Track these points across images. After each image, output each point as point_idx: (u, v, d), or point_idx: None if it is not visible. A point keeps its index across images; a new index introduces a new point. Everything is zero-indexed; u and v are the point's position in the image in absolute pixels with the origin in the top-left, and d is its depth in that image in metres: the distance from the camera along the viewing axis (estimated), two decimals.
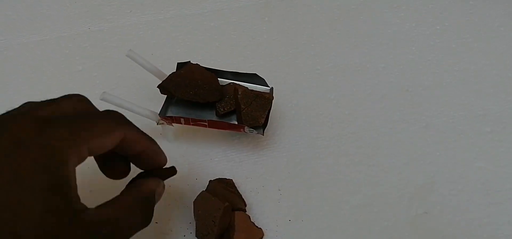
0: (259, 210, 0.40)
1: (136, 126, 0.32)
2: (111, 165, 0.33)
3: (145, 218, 0.31)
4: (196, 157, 0.43)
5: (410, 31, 0.52)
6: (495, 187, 0.41)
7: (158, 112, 0.41)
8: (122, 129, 0.30)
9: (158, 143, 0.34)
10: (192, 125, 0.40)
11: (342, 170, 0.42)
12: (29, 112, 0.27)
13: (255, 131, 0.40)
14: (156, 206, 0.39)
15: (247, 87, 0.41)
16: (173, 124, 0.41)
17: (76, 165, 0.27)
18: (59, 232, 0.25)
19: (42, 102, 0.29)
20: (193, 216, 0.38)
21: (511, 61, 0.49)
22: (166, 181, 0.37)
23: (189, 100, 0.40)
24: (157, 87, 0.40)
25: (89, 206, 0.27)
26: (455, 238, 0.38)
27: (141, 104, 0.41)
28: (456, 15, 0.53)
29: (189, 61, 0.42)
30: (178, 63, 0.43)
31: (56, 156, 0.25)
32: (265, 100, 0.40)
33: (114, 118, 0.30)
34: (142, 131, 0.32)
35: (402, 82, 0.48)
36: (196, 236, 0.37)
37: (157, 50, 0.51)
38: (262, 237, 0.38)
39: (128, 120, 0.31)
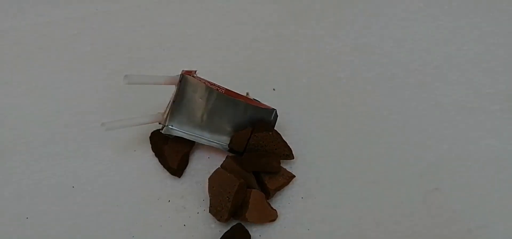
0: None
1: None
2: None
3: None
4: None
5: (419, 11, 0.52)
6: (505, 163, 0.41)
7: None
8: None
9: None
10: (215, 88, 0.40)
11: (353, 148, 0.42)
12: None
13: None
14: (168, 185, 0.40)
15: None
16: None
17: None
18: None
19: None
20: (206, 193, 0.38)
21: None
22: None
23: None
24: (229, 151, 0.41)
25: None
26: (466, 213, 0.39)
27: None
28: None
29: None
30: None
31: None
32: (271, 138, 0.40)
33: None
34: None
35: (412, 62, 0.48)
36: (209, 212, 0.37)
37: (166, 30, 0.50)
38: (276, 218, 0.38)
39: None
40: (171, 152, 0.40)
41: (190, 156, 0.41)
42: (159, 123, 0.39)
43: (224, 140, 0.40)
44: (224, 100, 0.39)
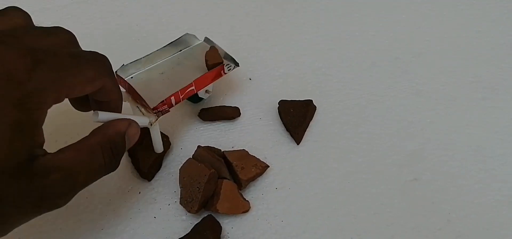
0: None
1: (114, 76, 0.31)
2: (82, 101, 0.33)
3: (110, 163, 0.30)
4: (181, 127, 0.42)
5: None
6: (486, 152, 0.40)
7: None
8: (103, 79, 0.29)
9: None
10: (183, 99, 0.38)
11: (330, 138, 0.41)
12: (24, 41, 0.26)
13: (232, 66, 0.40)
14: (139, 177, 0.39)
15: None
16: (169, 109, 0.38)
17: (50, 107, 0.26)
18: (13, 174, 0.24)
19: (35, 29, 0.28)
20: (177, 185, 0.37)
21: (503, 28, 0.49)
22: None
23: None
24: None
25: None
26: (446, 204, 0.38)
27: None
28: None
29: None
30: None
31: (35, 98, 0.25)
32: None
33: (99, 67, 0.29)
34: (116, 82, 0.32)
35: (393, 50, 0.47)
36: (180, 203, 0.36)
37: (142, 20, 0.49)
38: (248, 210, 0.37)
39: (111, 69, 0.31)
40: (144, 155, 0.39)
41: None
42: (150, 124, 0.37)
43: None
44: None
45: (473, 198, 0.38)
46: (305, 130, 0.41)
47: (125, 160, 0.40)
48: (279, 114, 0.42)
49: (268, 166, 0.39)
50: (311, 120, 0.42)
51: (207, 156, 0.37)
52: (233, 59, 0.41)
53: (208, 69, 0.40)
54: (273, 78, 0.45)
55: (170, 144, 0.40)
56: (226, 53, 0.41)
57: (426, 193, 0.38)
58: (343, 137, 0.41)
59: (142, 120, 0.35)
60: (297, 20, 0.49)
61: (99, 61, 0.30)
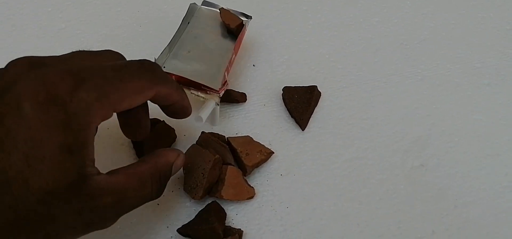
0: None
1: (169, 78, 0.31)
2: (132, 122, 0.32)
3: (156, 191, 0.31)
4: None
5: None
6: (492, 138, 0.40)
7: None
8: (155, 88, 0.29)
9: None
10: (230, 69, 0.41)
11: (335, 123, 0.41)
12: (69, 63, 0.27)
13: (248, 21, 0.43)
14: None
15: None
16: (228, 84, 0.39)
17: (98, 125, 0.26)
18: (65, 194, 0.25)
19: (85, 52, 0.29)
20: (181, 171, 0.37)
21: (508, 13, 0.48)
22: None
23: None
24: None
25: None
26: (452, 190, 0.37)
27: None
28: None
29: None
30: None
31: (80, 118, 0.25)
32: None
33: (148, 76, 0.28)
34: (176, 83, 0.31)
35: (397, 36, 0.47)
36: (184, 190, 0.36)
37: (143, 6, 0.49)
38: (253, 196, 0.37)
39: (163, 75, 0.30)
40: (148, 144, 0.38)
41: None
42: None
43: None
44: None
45: (480, 184, 0.38)
46: (310, 116, 0.41)
47: (128, 148, 0.39)
48: (283, 100, 0.41)
49: (273, 152, 0.38)
50: (316, 105, 0.41)
51: (211, 142, 0.37)
52: (244, 13, 0.43)
53: (230, 33, 0.42)
54: (277, 65, 0.44)
55: (175, 136, 0.40)
56: (233, 10, 0.43)
57: (432, 179, 0.38)
58: (348, 123, 0.41)
59: (211, 105, 0.37)
60: (300, 6, 0.49)
61: (146, 69, 0.29)
